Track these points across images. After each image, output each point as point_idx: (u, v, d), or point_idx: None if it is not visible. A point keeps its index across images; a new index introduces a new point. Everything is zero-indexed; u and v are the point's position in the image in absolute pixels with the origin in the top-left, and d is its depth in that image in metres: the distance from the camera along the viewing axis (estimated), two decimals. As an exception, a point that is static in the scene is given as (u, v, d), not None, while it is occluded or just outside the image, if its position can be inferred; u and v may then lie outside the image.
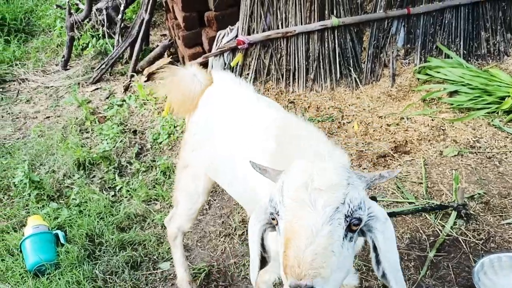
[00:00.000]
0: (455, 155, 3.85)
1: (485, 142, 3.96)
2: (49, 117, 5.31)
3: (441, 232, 3.16)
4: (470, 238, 3.08)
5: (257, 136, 2.12)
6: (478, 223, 3.19)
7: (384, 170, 1.51)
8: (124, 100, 5.28)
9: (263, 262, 1.64)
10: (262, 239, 1.60)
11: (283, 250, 1.36)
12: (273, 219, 1.49)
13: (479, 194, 3.41)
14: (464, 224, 3.19)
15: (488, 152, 3.85)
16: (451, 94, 4.48)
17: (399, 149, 4.02)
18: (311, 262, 1.27)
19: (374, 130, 4.28)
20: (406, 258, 2.99)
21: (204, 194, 2.69)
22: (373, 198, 2.34)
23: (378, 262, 1.45)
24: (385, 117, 4.41)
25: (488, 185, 3.51)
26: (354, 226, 1.38)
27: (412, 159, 3.90)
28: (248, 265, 3.11)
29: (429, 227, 3.23)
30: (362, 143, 4.13)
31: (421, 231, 3.20)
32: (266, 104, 2.35)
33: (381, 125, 4.31)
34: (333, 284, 1.34)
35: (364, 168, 3.83)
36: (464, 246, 3.03)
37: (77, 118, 5.05)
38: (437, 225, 3.22)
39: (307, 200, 1.35)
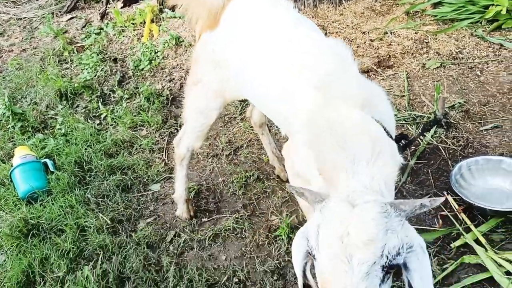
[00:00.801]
0: (437, 67, 3.86)
1: (467, 53, 3.96)
2: (25, 49, 5.16)
3: (421, 141, 3.24)
4: (449, 145, 3.17)
5: (299, 86, 1.94)
6: (457, 130, 3.27)
7: (426, 199, 1.39)
8: (101, 28, 5.12)
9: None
10: (304, 269, 1.54)
11: None
12: (311, 254, 1.44)
13: (459, 103, 3.47)
14: (444, 132, 3.27)
15: (470, 63, 3.86)
16: (435, 5, 4.40)
17: (382, 63, 4.01)
18: None
19: (357, 46, 4.24)
20: (387, 167, 3.10)
21: (218, 109, 2.56)
22: (401, 138, 2.30)
23: None
24: (368, 32, 4.36)
25: (468, 94, 3.56)
26: (391, 269, 1.34)
27: (395, 73, 3.91)
28: (237, 182, 3.21)
29: (410, 137, 3.30)
30: (345, 60, 4.11)
31: (402, 141, 3.28)
32: (307, 30, 2.14)
33: (364, 41, 4.27)
34: None
35: (347, 84, 3.84)
36: (444, 153, 3.13)
37: (54, 49, 4.92)
38: (418, 137, 3.29)
39: (343, 256, 1.30)
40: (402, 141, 2.09)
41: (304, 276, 1.55)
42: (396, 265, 1.34)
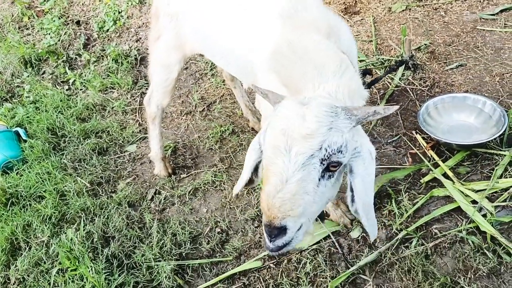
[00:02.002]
0: (403, 10, 3.89)
1: (432, -6, 3.99)
2: (-19, 17, 4.94)
3: (390, 84, 3.32)
4: (417, 86, 3.26)
5: (261, 21, 1.94)
6: (424, 72, 3.35)
7: (380, 106, 1.44)
8: (60, -10, 4.92)
9: (250, 182, 1.70)
10: (257, 166, 1.63)
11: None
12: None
13: (425, 44, 3.53)
14: (412, 74, 3.34)
15: (435, 4, 3.90)
16: None
17: (349, 10, 4.01)
18: (279, 207, 1.33)
19: (323, -6, 4.21)
20: (358, 111, 3.17)
21: (179, 63, 2.59)
22: (366, 73, 2.32)
23: (353, 200, 1.49)
24: (334, -21, 4.32)
25: (434, 35, 3.62)
26: (332, 167, 1.39)
27: (362, 19, 3.93)
28: (212, 137, 3.24)
29: (379, 81, 3.37)
30: (313, 8, 4.09)
31: (366, 75, 3.34)
32: None
33: (330, -12, 4.24)
34: (311, 215, 1.42)
35: (316, 33, 3.85)
36: (411, 94, 3.21)
37: (13, 15, 4.73)
38: (387, 78, 3.36)
39: (282, 147, 1.36)
40: (367, 76, 2.12)
41: (255, 172, 1.65)
42: (338, 163, 1.39)
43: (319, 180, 1.38)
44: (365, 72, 2.13)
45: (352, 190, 1.47)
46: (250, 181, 1.71)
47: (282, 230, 1.34)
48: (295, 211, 1.33)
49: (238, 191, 1.71)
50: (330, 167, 1.39)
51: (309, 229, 1.48)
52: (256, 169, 1.67)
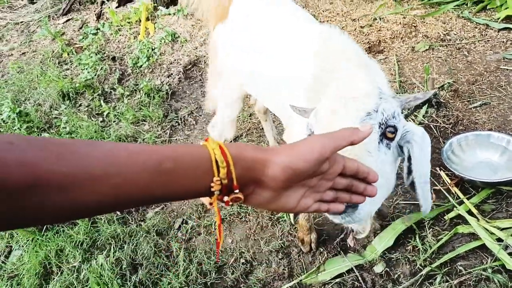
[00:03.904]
0: (426, 50, 3.99)
1: (454, 34, 4.09)
2: (24, 53, 5.27)
3: (414, 121, 3.38)
4: (440, 123, 3.31)
5: (297, 56, 2.05)
6: (448, 109, 3.40)
7: (418, 93, 1.49)
8: (98, 29, 5.23)
9: None
10: None
11: None
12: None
13: (448, 83, 3.60)
14: (435, 111, 3.40)
15: (458, 44, 3.99)
16: (422, -10, 4.52)
17: (373, 49, 4.14)
18: None
19: (348, 34, 4.35)
20: (382, 147, 3.23)
21: (241, 99, 2.70)
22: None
23: (409, 172, 1.47)
24: (358, 19, 4.48)
25: (457, 74, 3.69)
26: (389, 133, 1.38)
27: (385, 57, 4.04)
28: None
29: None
30: (338, 47, 4.23)
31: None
32: (304, 18, 2.25)
33: (355, 28, 4.39)
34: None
35: (340, 71, 3.97)
36: (435, 131, 3.26)
37: (53, 51, 5.03)
38: (411, 116, 3.43)
39: (339, 107, 1.38)
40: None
41: None
42: (394, 128, 1.39)
43: (379, 143, 1.37)
44: None
45: (409, 160, 1.46)
46: None
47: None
48: None
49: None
50: (387, 133, 1.38)
51: (370, 213, 1.46)
52: None
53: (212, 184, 0.77)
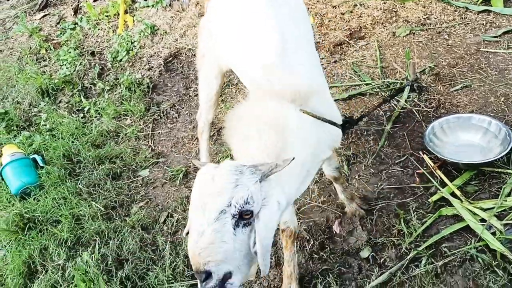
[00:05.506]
0: (407, 34, 3.99)
1: (435, 18, 4.09)
2: (1, 50, 5.16)
3: (396, 106, 3.38)
4: (422, 108, 3.32)
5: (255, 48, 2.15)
6: (429, 93, 3.41)
7: (280, 160, 1.65)
8: (76, 23, 5.14)
9: None
10: None
11: None
12: None
13: (430, 67, 3.61)
14: (417, 96, 3.41)
15: (438, 27, 4.00)
16: (402, -25, 4.50)
17: (354, 35, 4.13)
18: (199, 254, 1.50)
19: (329, 21, 4.35)
20: (365, 133, 3.24)
21: (216, 78, 2.76)
22: (347, 122, 2.45)
23: (254, 242, 1.63)
24: (338, 6, 4.46)
25: (438, 58, 3.70)
26: (246, 215, 1.57)
27: (367, 43, 4.03)
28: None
29: (386, 103, 3.45)
30: (319, 35, 4.22)
31: (378, 108, 3.42)
32: (271, 14, 2.22)
33: (335, 15, 4.37)
34: (238, 262, 1.58)
35: (322, 58, 3.95)
36: (417, 115, 3.27)
37: (30, 48, 4.94)
38: (393, 100, 3.44)
39: (199, 206, 1.57)
40: (347, 125, 2.33)
41: None
42: (249, 212, 1.57)
43: (235, 229, 1.55)
44: (346, 122, 2.28)
45: (255, 233, 1.62)
46: None
47: (208, 274, 1.50)
48: (214, 257, 1.50)
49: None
50: (243, 215, 1.56)
51: (246, 275, 1.65)
52: None
53: None
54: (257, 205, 1.60)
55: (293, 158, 1.63)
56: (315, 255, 2.56)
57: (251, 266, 1.68)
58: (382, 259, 2.47)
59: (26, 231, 3.00)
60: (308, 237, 2.65)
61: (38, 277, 2.74)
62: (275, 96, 1.91)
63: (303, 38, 2.23)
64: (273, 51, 2.04)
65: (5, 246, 2.97)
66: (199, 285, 1.56)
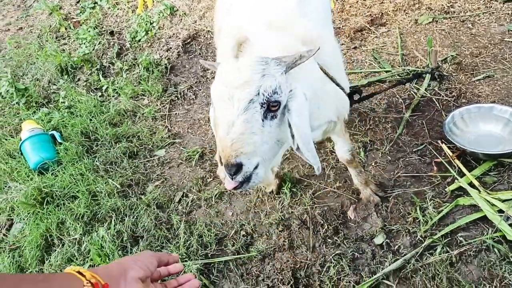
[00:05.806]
0: (429, 22, 3.92)
1: (459, 7, 4.01)
2: (21, 28, 5.20)
3: (416, 94, 3.34)
4: (443, 96, 3.27)
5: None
6: (450, 82, 3.36)
7: (305, 50, 1.63)
8: (95, 2, 5.15)
9: None
10: None
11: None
12: None
13: (452, 56, 3.55)
14: (438, 85, 3.36)
15: (462, 16, 3.92)
16: (426, -39, 4.41)
17: (375, 21, 4.06)
18: (230, 146, 1.50)
19: (350, 6, 4.28)
20: (383, 120, 3.20)
21: (234, 49, 2.74)
22: (354, 92, 2.46)
23: (292, 136, 1.67)
24: (360, -9, 4.39)
25: (460, 47, 3.63)
26: (273, 107, 1.59)
27: (388, 30, 3.97)
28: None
29: (405, 91, 3.41)
30: (340, 20, 4.16)
31: (397, 95, 3.38)
32: None
33: (357, 0, 4.31)
34: (264, 154, 1.60)
35: (342, 44, 3.91)
36: (437, 104, 3.23)
37: (50, 26, 4.96)
38: (413, 88, 3.39)
39: (226, 97, 1.57)
40: (355, 96, 2.30)
41: None
42: (277, 102, 1.58)
43: (263, 120, 1.57)
44: (354, 92, 2.29)
45: (290, 126, 1.64)
46: None
47: (239, 166, 1.51)
48: (245, 148, 1.51)
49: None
50: (270, 107, 1.57)
51: (268, 172, 1.68)
52: None
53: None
54: (284, 96, 1.60)
55: (318, 48, 1.63)
56: (329, 240, 2.56)
57: (272, 162, 1.70)
58: (396, 246, 2.46)
59: (44, 205, 3.04)
60: (322, 222, 2.65)
61: (55, 250, 2.79)
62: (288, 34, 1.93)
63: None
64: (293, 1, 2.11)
65: (23, 219, 3.03)
66: (227, 178, 1.57)
